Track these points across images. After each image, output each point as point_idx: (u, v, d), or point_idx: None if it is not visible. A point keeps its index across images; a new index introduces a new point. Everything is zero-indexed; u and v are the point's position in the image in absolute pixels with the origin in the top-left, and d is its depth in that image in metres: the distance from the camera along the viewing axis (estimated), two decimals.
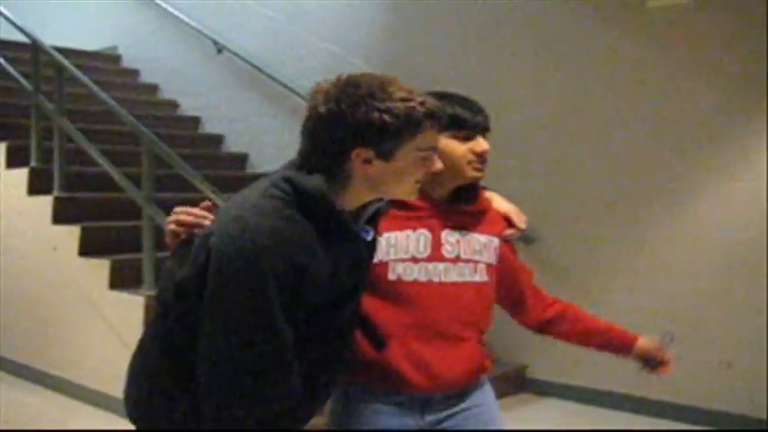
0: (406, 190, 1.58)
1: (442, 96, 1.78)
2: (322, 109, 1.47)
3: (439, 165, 1.60)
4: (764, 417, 4.20)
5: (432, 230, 1.85)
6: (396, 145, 1.49)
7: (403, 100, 1.47)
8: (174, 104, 7.28)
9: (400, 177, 1.54)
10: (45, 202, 4.93)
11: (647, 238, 4.69)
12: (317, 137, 1.50)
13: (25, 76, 5.50)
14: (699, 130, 4.51)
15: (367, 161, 1.49)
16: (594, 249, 4.85)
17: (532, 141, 4.95)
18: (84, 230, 4.73)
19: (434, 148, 1.57)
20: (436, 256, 1.83)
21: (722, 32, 4.43)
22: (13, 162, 5.29)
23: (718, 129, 4.45)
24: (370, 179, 1.51)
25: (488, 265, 1.91)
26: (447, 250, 1.85)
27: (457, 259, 1.85)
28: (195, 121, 7.08)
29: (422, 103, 1.50)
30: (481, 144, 1.86)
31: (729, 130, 4.42)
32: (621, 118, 4.76)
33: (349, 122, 1.45)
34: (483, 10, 5.32)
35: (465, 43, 5.39)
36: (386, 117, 1.45)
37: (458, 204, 1.91)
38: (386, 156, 1.49)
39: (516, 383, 4.95)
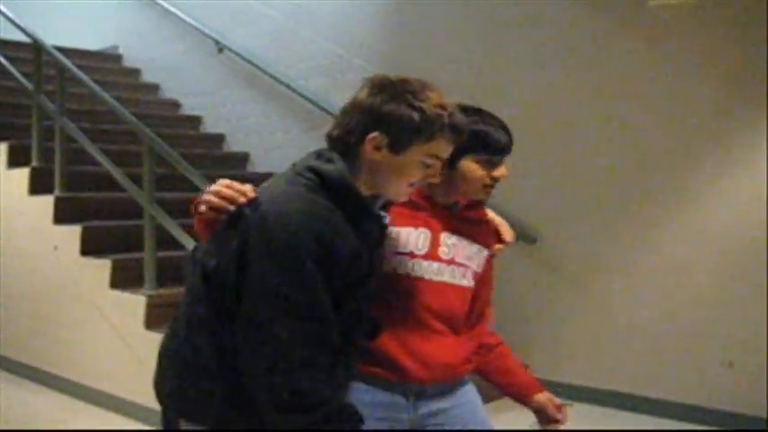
0: (398, 190, 1.64)
1: (476, 112, 1.87)
2: (364, 93, 1.59)
3: (437, 179, 1.66)
4: (765, 416, 4.20)
5: (432, 230, 1.90)
6: (409, 141, 1.57)
7: (436, 105, 1.57)
8: (175, 104, 7.28)
9: (399, 174, 1.60)
10: (46, 202, 4.93)
11: (648, 238, 4.68)
12: (349, 118, 1.60)
13: (26, 75, 5.50)
14: (699, 129, 4.51)
15: (378, 148, 1.57)
16: (595, 249, 4.85)
17: (532, 140, 4.95)
18: (85, 230, 4.73)
19: (441, 159, 1.63)
20: (432, 255, 1.88)
21: (723, 31, 4.43)
22: (14, 162, 5.29)
23: (718, 128, 4.45)
24: (373, 168, 1.59)
25: (475, 273, 1.97)
26: (443, 251, 1.90)
27: (451, 261, 1.91)
28: (196, 120, 7.08)
29: (451, 114, 1.59)
30: (502, 171, 1.91)
31: (730, 129, 4.41)
32: (622, 117, 4.76)
33: (380, 109, 1.56)
34: (484, 10, 5.32)
35: (466, 43, 5.39)
36: (414, 114, 1.55)
37: (460, 210, 1.96)
38: (396, 149, 1.58)
39: None
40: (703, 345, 4.43)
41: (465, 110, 1.79)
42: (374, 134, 1.56)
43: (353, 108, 1.60)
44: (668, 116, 4.60)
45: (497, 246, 2.04)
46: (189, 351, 1.55)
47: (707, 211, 4.49)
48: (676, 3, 4.56)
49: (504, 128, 1.92)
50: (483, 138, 1.85)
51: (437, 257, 1.88)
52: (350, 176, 1.56)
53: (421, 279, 1.85)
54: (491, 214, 2.09)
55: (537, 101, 5.02)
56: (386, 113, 1.56)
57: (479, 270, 1.98)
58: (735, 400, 4.34)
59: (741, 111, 4.37)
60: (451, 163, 1.81)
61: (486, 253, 1.99)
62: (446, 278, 1.89)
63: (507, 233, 2.07)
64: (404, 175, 1.61)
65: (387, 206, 1.73)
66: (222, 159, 6.57)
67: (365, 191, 1.61)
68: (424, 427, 1.88)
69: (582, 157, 4.89)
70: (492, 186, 1.91)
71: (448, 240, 1.91)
